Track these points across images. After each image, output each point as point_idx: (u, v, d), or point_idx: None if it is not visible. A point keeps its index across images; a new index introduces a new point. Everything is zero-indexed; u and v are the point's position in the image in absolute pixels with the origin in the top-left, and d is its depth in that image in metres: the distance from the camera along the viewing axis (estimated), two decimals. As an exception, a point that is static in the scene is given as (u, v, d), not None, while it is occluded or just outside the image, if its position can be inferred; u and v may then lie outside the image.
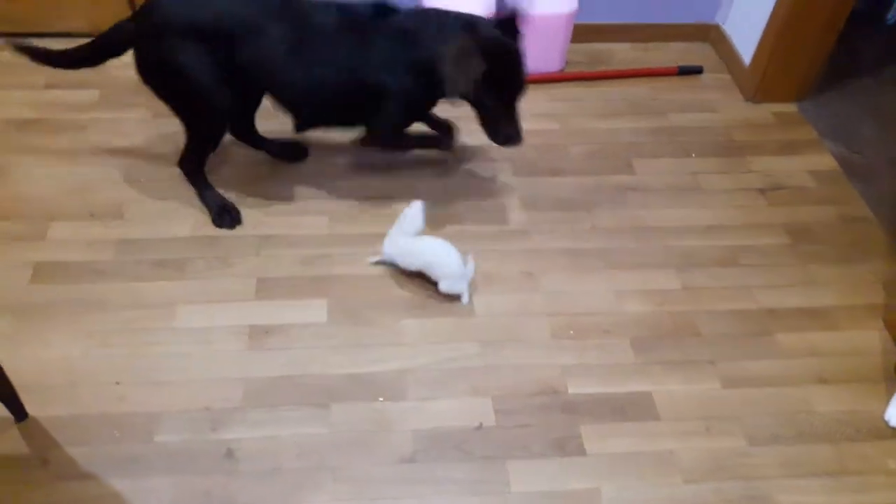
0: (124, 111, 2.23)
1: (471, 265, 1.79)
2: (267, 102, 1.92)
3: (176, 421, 1.53)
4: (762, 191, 2.14)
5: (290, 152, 2.12)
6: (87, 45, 1.79)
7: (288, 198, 2.02)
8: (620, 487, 1.49)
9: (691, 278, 1.89)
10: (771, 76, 2.38)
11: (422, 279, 1.81)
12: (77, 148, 2.11)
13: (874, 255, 1.98)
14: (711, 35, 2.67)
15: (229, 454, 1.49)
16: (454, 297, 1.79)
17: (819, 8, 2.21)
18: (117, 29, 1.76)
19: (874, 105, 2.48)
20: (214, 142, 1.90)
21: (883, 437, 1.60)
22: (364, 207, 2.01)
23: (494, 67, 1.69)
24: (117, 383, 1.59)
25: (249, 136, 2.07)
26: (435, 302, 1.78)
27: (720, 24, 2.63)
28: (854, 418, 1.62)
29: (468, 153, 2.18)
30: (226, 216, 1.92)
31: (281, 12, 1.72)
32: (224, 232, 1.91)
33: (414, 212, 1.80)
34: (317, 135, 2.18)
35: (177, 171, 1.93)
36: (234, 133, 2.05)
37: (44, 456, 1.47)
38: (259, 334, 1.69)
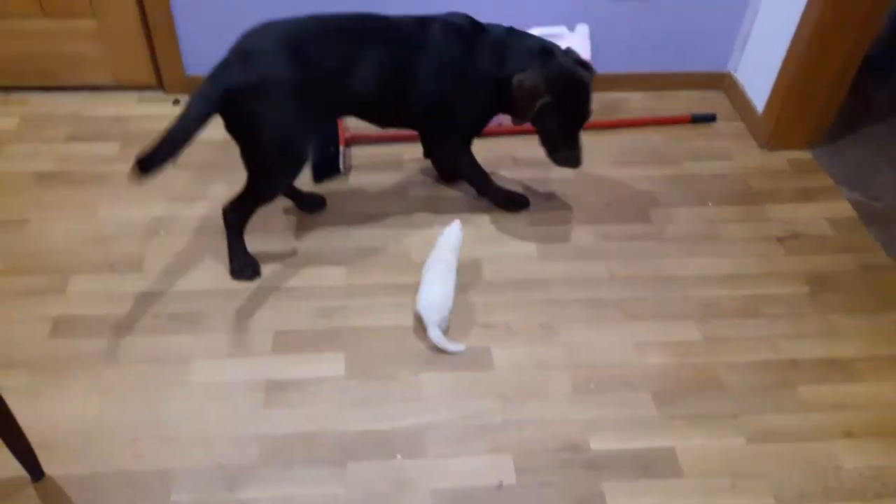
0: (143, 163, 2.25)
1: (445, 305, 1.77)
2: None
3: (191, 479, 1.51)
4: (780, 239, 2.13)
5: (309, 203, 2.14)
6: (180, 124, 1.60)
7: (306, 248, 2.03)
8: (645, 548, 1.45)
9: (712, 329, 1.87)
10: (784, 123, 2.38)
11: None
12: (97, 200, 2.13)
13: (895, 303, 1.96)
14: (724, 83, 2.68)
15: (246, 514, 1.47)
16: (475, 353, 1.77)
17: (831, 55, 2.22)
18: (208, 91, 1.62)
19: (888, 151, 2.47)
20: (276, 196, 1.92)
21: (913, 494, 1.56)
22: (381, 258, 2.01)
23: (561, 98, 1.80)
24: (134, 439, 1.57)
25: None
26: (454, 356, 1.77)
27: (732, 72, 2.64)
28: (882, 474, 1.58)
29: (483, 205, 2.19)
30: (247, 269, 1.92)
31: (379, 36, 1.78)
32: (242, 284, 1.92)
33: (450, 230, 1.84)
34: (332, 185, 2.20)
35: (196, 222, 1.94)
36: None
37: (60, 517, 1.45)
38: (275, 389, 1.68)
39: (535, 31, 1.98)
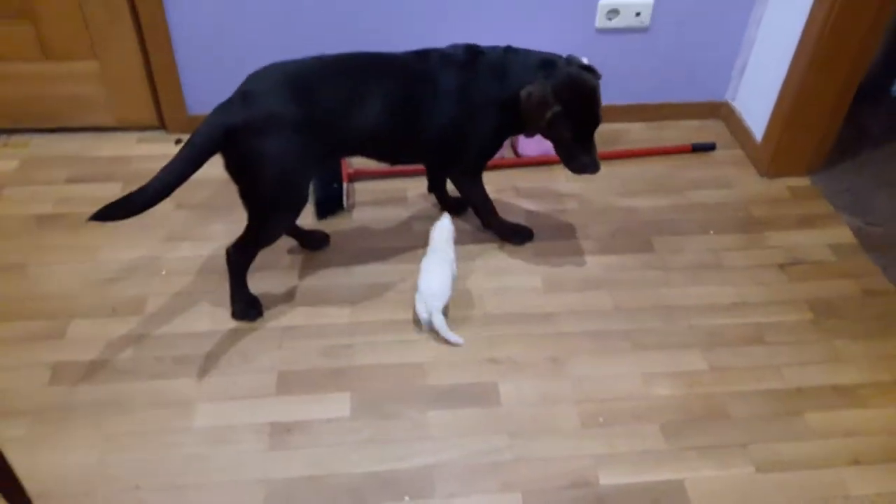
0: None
1: (445, 292, 1.85)
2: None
3: (197, 526, 1.49)
4: (783, 266, 2.13)
5: (312, 240, 2.13)
6: (177, 164, 1.60)
7: (309, 287, 2.02)
8: (660, 586, 1.43)
9: (718, 358, 1.86)
10: (783, 151, 2.39)
11: (447, 368, 1.79)
12: (97, 243, 2.12)
13: (897, 328, 1.96)
14: (722, 112, 2.70)
15: (253, 561, 1.45)
16: (482, 388, 1.77)
17: (828, 84, 2.24)
18: (208, 130, 1.63)
19: (886, 177, 2.48)
20: (278, 237, 1.91)
21: (924, 522, 1.54)
22: (386, 294, 2.00)
23: (570, 105, 1.79)
24: (137, 487, 1.55)
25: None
26: (461, 392, 1.76)
27: (730, 101, 2.66)
28: (892, 500, 1.57)
29: (488, 238, 2.19)
30: (250, 310, 1.91)
31: (381, 72, 1.79)
32: (245, 325, 1.90)
33: (441, 224, 1.92)
34: (336, 222, 2.20)
35: (197, 263, 1.93)
36: None
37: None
38: (280, 432, 1.66)
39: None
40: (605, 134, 2.59)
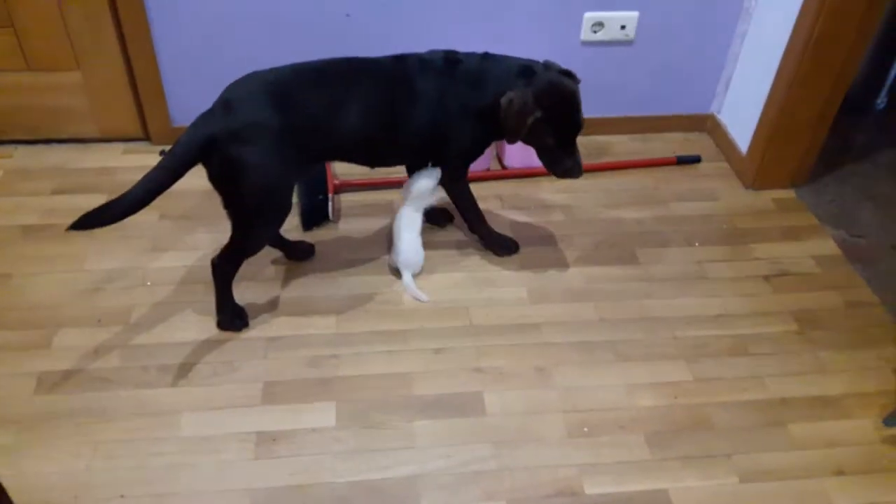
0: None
1: (418, 256, 2.03)
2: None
3: (181, 536, 1.49)
4: (767, 278, 2.14)
5: (297, 251, 2.13)
6: (157, 173, 1.62)
7: (295, 297, 2.02)
8: None
9: (702, 369, 1.87)
10: (768, 163, 2.41)
11: (433, 378, 1.80)
12: (83, 253, 2.11)
13: (881, 340, 1.97)
14: (707, 125, 2.72)
15: (237, 571, 1.44)
16: (467, 398, 1.77)
17: (812, 97, 2.26)
18: (189, 140, 1.63)
19: (871, 190, 2.51)
20: (263, 245, 1.91)
21: (907, 532, 1.55)
22: (371, 304, 2.00)
23: (551, 111, 1.79)
24: (122, 496, 1.54)
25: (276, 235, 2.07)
26: (447, 402, 1.76)
27: (715, 113, 2.69)
28: (875, 512, 1.59)
29: (474, 250, 2.20)
30: (235, 320, 1.91)
31: (359, 77, 1.80)
32: (231, 335, 1.90)
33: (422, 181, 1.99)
34: (321, 232, 2.20)
35: (182, 273, 1.93)
36: None
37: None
38: (266, 441, 1.66)
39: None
40: (591, 146, 2.61)
